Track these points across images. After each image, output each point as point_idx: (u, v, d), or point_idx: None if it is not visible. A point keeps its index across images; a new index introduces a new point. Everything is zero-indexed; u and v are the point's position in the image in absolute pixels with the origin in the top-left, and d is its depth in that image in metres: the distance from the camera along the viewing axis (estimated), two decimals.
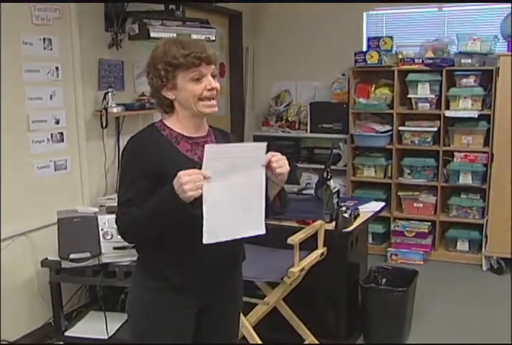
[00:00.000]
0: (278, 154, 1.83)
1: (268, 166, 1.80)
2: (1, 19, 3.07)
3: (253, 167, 1.78)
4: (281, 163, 1.82)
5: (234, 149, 1.78)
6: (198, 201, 1.69)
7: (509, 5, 4.64)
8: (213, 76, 1.88)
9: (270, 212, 1.92)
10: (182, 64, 1.82)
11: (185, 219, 1.75)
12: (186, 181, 1.66)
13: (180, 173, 1.67)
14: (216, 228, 1.73)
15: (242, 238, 1.81)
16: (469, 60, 4.65)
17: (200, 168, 1.85)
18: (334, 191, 3.29)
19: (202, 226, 1.71)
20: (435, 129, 4.81)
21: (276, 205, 1.96)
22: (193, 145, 1.91)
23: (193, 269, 1.89)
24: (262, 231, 1.81)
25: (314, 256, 3.04)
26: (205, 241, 1.70)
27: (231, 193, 1.75)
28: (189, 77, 1.84)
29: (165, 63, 1.83)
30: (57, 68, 3.45)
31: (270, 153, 1.81)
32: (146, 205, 1.77)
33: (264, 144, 1.80)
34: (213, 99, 1.88)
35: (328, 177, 3.25)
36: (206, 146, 1.71)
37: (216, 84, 1.87)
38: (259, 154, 1.79)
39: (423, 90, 4.80)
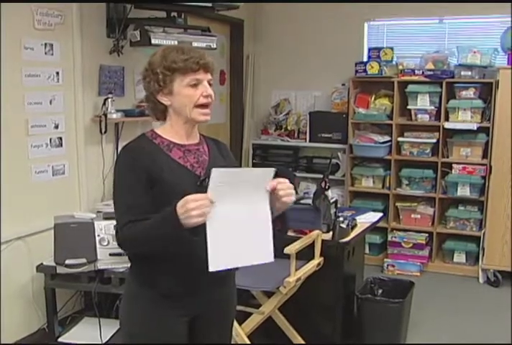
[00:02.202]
0: (286, 181, 1.79)
1: (274, 192, 1.77)
2: (2, 24, 3.08)
3: (258, 192, 1.75)
4: (288, 192, 1.79)
5: (241, 174, 1.75)
6: (199, 228, 1.65)
7: (509, 19, 4.67)
8: (210, 84, 1.89)
9: None
10: (180, 68, 1.82)
11: (184, 245, 1.73)
12: (194, 207, 1.61)
13: (188, 198, 1.63)
14: (222, 255, 1.68)
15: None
16: (469, 73, 4.67)
17: (195, 177, 1.85)
18: (331, 201, 3.29)
19: (199, 250, 1.68)
20: (434, 140, 4.82)
21: (276, 225, 1.92)
22: (185, 152, 1.91)
23: (185, 278, 1.88)
24: (271, 259, 1.77)
25: (311, 266, 3.03)
26: (211, 269, 1.66)
27: (236, 219, 1.71)
28: (186, 83, 1.84)
29: (163, 67, 1.83)
30: (57, 73, 3.46)
31: (276, 180, 1.77)
32: (146, 225, 1.74)
33: (272, 170, 1.77)
34: (207, 107, 1.88)
35: (327, 187, 3.25)
36: (213, 169, 1.66)
37: (211, 91, 1.88)
38: (266, 180, 1.76)
39: (423, 102, 4.81)
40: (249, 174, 1.79)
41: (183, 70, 1.83)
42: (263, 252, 1.77)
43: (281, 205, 1.82)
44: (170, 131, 1.92)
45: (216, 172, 1.65)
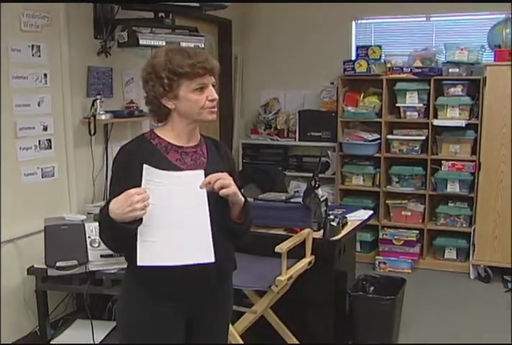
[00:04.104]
0: (219, 175, 1.81)
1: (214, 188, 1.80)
2: None
3: (194, 194, 1.78)
4: (222, 184, 1.79)
5: (171, 177, 1.78)
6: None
7: (495, 16, 4.71)
8: (213, 86, 1.89)
9: (234, 232, 1.94)
10: (187, 73, 1.81)
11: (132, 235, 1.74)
12: (138, 199, 1.66)
13: (131, 192, 1.67)
14: (152, 252, 1.72)
15: (191, 264, 1.76)
16: (457, 70, 4.69)
17: None
18: (322, 199, 3.29)
19: None
20: (423, 137, 4.83)
21: (239, 218, 1.95)
22: (183, 154, 1.91)
23: (181, 279, 1.87)
24: (211, 259, 1.77)
25: (302, 264, 3.04)
26: (139, 262, 1.70)
27: (171, 219, 1.75)
28: (192, 87, 1.83)
29: (168, 71, 1.81)
30: (45, 75, 3.44)
31: (209, 176, 1.79)
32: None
33: (201, 172, 1.81)
34: (213, 107, 1.90)
35: (316, 185, 3.25)
36: (144, 165, 1.73)
37: (216, 95, 1.88)
38: (198, 182, 1.79)
39: (412, 99, 4.83)
40: (179, 177, 1.80)
41: (190, 75, 1.81)
42: (201, 252, 1.77)
43: (227, 198, 1.84)
44: (170, 133, 1.92)
45: (145, 170, 1.72)
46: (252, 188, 4.28)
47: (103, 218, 1.73)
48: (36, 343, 3.37)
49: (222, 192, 1.79)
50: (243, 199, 1.92)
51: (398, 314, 3.51)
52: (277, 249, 2.85)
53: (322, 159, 5.09)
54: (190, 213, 1.78)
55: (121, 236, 1.73)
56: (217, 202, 1.84)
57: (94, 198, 3.85)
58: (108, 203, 1.72)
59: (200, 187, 1.78)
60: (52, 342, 3.26)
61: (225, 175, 1.82)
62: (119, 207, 1.68)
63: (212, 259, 1.77)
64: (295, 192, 4.85)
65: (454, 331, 3.75)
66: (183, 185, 1.78)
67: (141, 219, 1.70)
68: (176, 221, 1.76)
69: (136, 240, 1.73)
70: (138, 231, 1.70)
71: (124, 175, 1.79)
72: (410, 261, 4.87)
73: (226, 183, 1.80)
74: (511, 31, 4.49)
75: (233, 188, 1.82)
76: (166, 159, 1.87)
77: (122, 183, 1.77)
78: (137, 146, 1.89)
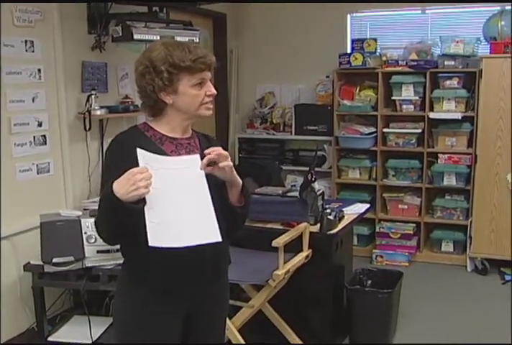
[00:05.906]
0: (215, 148, 1.81)
1: (214, 168, 1.80)
2: None
3: (193, 178, 1.78)
4: (220, 154, 1.79)
5: (167, 161, 1.78)
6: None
7: (491, 8, 4.70)
8: (210, 81, 1.89)
9: (236, 216, 1.94)
10: (189, 67, 1.80)
11: (137, 218, 1.71)
12: (141, 178, 1.64)
13: (134, 171, 1.65)
14: (161, 233, 1.70)
15: (199, 245, 1.74)
16: (453, 62, 4.68)
17: None
18: (318, 193, 3.29)
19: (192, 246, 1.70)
20: (419, 130, 4.83)
21: (239, 202, 1.94)
22: (177, 146, 1.90)
23: (177, 275, 1.87)
24: (217, 238, 1.76)
25: (299, 258, 3.03)
26: (150, 243, 1.68)
27: (174, 202, 1.75)
28: (192, 82, 1.83)
29: (169, 65, 1.79)
30: (39, 70, 3.42)
31: (207, 150, 1.80)
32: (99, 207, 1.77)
33: (197, 156, 1.81)
34: (211, 102, 1.89)
35: (313, 179, 3.25)
36: (138, 150, 1.71)
37: (215, 91, 1.88)
38: (196, 166, 1.79)
39: (407, 92, 4.82)
40: (175, 162, 1.81)
41: (191, 69, 1.80)
42: (208, 232, 1.77)
43: (225, 175, 1.83)
44: (164, 126, 1.90)
45: (140, 154, 1.71)
46: (248, 182, 4.23)
47: (108, 199, 1.68)
48: (33, 339, 3.36)
49: (222, 164, 1.79)
50: (241, 180, 1.92)
51: (395, 307, 3.52)
52: (275, 243, 2.85)
53: (318, 152, 5.09)
54: (191, 196, 1.78)
55: (124, 218, 1.69)
56: (215, 186, 1.83)
57: (90, 193, 3.83)
58: (110, 186, 1.67)
59: (201, 169, 1.78)
60: (49, 338, 3.25)
61: (216, 150, 1.81)
62: (122, 187, 1.65)
63: (219, 239, 1.76)
64: (292, 187, 4.84)
65: (452, 324, 3.75)
66: (180, 169, 1.78)
67: (144, 200, 1.68)
68: (179, 203, 1.75)
69: (133, 229, 1.71)
70: (145, 212, 1.68)
71: (120, 163, 1.75)
72: (407, 254, 4.88)
73: (225, 154, 1.80)
74: (510, 23, 4.48)
75: (230, 162, 1.82)
76: (161, 150, 1.86)
77: (118, 171, 1.72)
78: (132, 136, 1.87)
